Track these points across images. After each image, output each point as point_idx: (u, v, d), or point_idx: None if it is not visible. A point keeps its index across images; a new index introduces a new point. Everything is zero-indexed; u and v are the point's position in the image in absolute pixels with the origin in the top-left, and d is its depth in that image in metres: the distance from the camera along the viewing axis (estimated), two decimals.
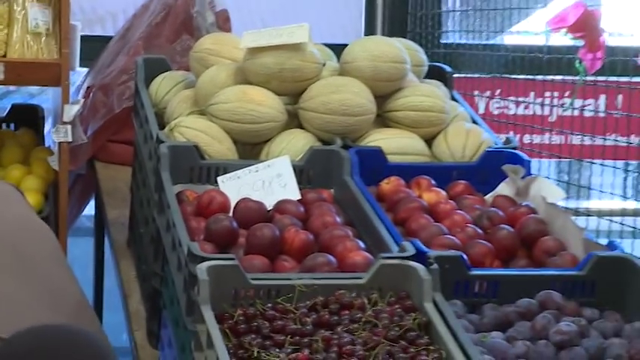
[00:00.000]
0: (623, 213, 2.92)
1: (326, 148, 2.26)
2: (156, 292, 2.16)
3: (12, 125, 3.42)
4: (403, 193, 2.17)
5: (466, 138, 2.36)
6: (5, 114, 3.45)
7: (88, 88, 3.39)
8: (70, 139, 2.89)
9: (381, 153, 2.28)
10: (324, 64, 2.41)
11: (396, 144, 2.33)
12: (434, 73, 2.63)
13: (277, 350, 1.60)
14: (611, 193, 2.89)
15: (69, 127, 2.88)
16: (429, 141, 2.39)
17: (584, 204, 2.95)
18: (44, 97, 3.96)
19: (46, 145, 3.28)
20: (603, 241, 2.06)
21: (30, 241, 2.00)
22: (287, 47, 2.35)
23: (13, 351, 1.56)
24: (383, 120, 2.41)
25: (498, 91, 3.48)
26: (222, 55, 2.50)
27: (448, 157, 2.35)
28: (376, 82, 2.38)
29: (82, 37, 3.14)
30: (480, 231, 2.02)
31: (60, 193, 2.94)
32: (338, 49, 2.53)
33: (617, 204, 3.01)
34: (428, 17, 3.70)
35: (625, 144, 2.98)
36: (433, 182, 2.23)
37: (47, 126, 3.41)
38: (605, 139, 2.97)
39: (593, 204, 2.96)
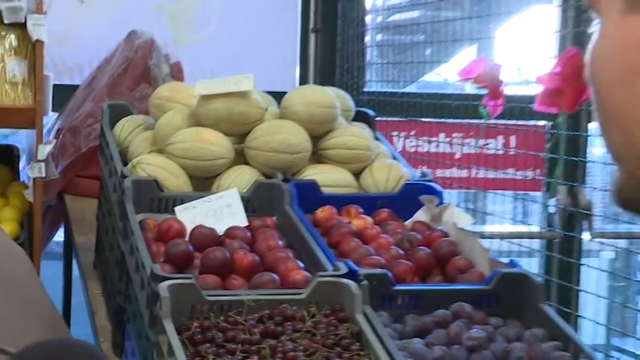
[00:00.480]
0: (520, 235, 2.95)
1: (269, 181, 2.27)
2: (120, 308, 2.14)
3: None
4: (335, 220, 2.18)
5: (388, 172, 2.38)
6: None
7: (58, 130, 3.35)
8: (43, 174, 2.85)
9: (316, 185, 2.28)
10: (266, 109, 2.42)
11: (329, 177, 2.34)
12: (359, 117, 2.65)
13: (230, 357, 1.60)
14: (511, 219, 2.94)
15: (43, 164, 2.85)
16: (356, 175, 2.40)
17: (487, 228, 2.98)
18: (16, 137, 3.91)
19: (21, 179, 3.23)
20: (505, 260, 2.08)
21: (11, 263, 1.99)
22: (235, 94, 2.35)
23: None
24: (317, 157, 2.42)
25: (413, 132, 3.51)
26: (177, 101, 2.50)
27: (373, 189, 2.36)
28: (311, 125, 2.39)
29: (53, 85, 3.11)
30: (401, 252, 2.04)
31: (34, 222, 2.90)
32: (277, 95, 2.54)
33: (515, 228, 3.05)
34: (353, 69, 3.73)
35: (521, 177, 3.03)
36: (361, 210, 2.24)
37: (22, 163, 3.36)
38: (504, 173, 3.01)
39: (495, 228, 2.99)
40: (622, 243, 2.79)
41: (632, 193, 0.72)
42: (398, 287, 1.87)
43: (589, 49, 0.74)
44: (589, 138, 3.19)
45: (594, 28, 0.74)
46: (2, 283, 1.91)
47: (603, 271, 2.69)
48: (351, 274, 1.82)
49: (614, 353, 2.88)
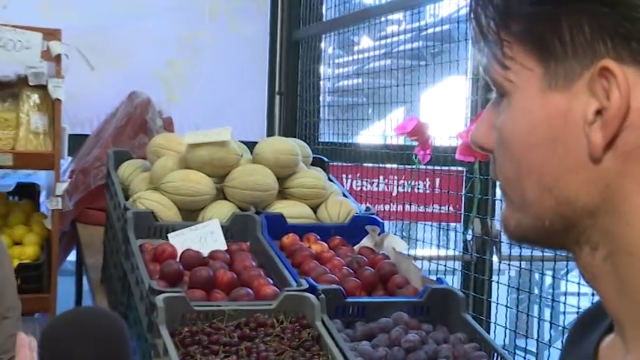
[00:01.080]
0: (444, 258, 2.96)
1: (244, 213, 2.25)
2: (123, 316, 2.10)
3: (17, 197, 3.32)
4: (298, 245, 2.17)
5: (340, 207, 2.38)
6: (12, 189, 3.35)
7: (72, 171, 3.31)
8: (60, 207, 2.82)
9: (282, 217, 2.27)
10: (241, 155, 2.41)
11: (292, 211, 2.33)
12: (316, 162, 2.65)
13: (214, 357, 1.58)
14: (436, 245, 2.95)
15: (59, 198, 2.82)
16: (314, 209, 2.40)
17: (418, 252, 2.98)
18: (37, 176, 3.85)
19: (42, 211, 3.18)
20: (433, 278, 2.08)
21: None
22: (216, 143, 2.34)
23: (59, 326, 1.57)
24: (283, 194, 2.42)
25: (358, 175, 3.52)
26: (169, 148, 2.48)
27: (328, 220, 2.36)
28: (278, 168, 2.39)
29: (68, 135, 3.07)
30: (351, 271, 2.03)
31: (52, 245, 2.86)
32: (250, 144, 2.53)
33: (440, 252, 3.05)
34: (310, 124, 3.74)
35: (444, 211, 3.05)
36: (318, 237, 2.24)
37: (42, 197, 3.31)
38: (431, 208, 3.02)
39: (424, 252, 2.99)
40: (524, 264, 2.81)
41: (528, 233, 0.71)
42: (349, 300, 1.87)
43: (502, 120, 0.70)
44: None
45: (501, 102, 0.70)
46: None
47: (509, 286, 2.70)
48: (312, 289, 1.81)
49: (518, 352, 2.88)
